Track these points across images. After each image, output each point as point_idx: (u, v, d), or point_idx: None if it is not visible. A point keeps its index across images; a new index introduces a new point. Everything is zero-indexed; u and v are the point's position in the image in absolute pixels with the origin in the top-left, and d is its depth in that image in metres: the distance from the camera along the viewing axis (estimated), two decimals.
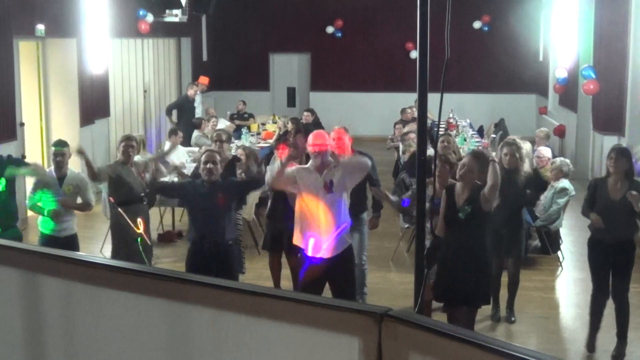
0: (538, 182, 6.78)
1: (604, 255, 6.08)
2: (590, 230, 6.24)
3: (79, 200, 6.97)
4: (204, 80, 14.79)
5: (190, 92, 13.47)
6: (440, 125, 8.82)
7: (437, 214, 5.77)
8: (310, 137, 5.90)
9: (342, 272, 5.83)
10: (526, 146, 6.83)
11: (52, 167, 6.87)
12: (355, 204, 6.81)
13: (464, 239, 5.42)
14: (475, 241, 5.42)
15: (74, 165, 7.31)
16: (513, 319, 6.90)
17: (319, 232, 5.70)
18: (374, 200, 7.12)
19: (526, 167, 6.66)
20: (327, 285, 5.95)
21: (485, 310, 6.92)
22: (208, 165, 6.02)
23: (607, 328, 6.49)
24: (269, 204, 7.26)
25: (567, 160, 8.43)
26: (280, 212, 6.89)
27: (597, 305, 6.22)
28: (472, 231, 5.45)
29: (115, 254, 7.19)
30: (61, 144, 6.90)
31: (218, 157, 6.13)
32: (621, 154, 6.00)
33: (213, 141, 7.82)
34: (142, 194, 7.14)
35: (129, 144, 7.07)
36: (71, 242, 6.77)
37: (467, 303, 5.59)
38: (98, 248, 8.72)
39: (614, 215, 5.96)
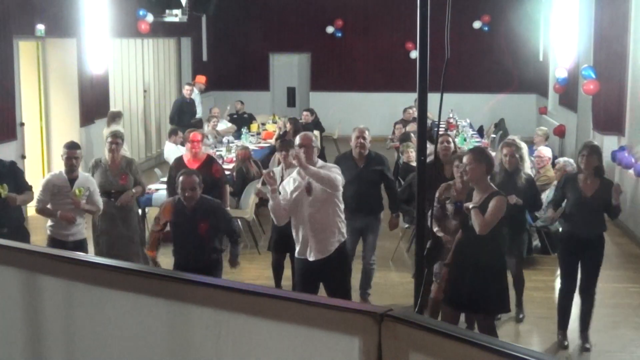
0: (531, 198, 6.64)
1: (575, 250, 6.19)
2: (562, 226, 6.37)
3: (88, 204, 6.74)
4: (200, 79, 14.77)
5: (185, 93, 13.46)
6: (441, 125, 8.84)
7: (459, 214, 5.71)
8: (297, 139, 5.90)
9: (334, 272, 5.83)
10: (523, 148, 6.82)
11: (63, 169, 6.71)
12: (372, 203, 6.85)
13: (479, 244, 5.31)
14: (487, 246, 5.27)
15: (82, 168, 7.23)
16: (521, 316, 6.92)
17: (306, 235, 5.70)
18: (390, 200, 7.14)
19: (527, 167, 6.66)
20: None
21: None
22: (187, 194, 5.81)
23: (606, 328, 6.50)
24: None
25: (571, 160, 8.43)
26: None
27: (565, 300, 6.33)
28: (485, 237, 5.32)
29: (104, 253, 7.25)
30: (74, 146, 6.76)
31: (197, 180, 5.87)
32: (593, 151, 6.14)
33: (107, 141, 7.49)
34: (112, 191, 7.22)
35: (114, 140, 7.28)
36: (80, 248, 6.60)
37: (482, 310, 5.46)
38: None
39: (586, 212, 6.08)
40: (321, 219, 5.69)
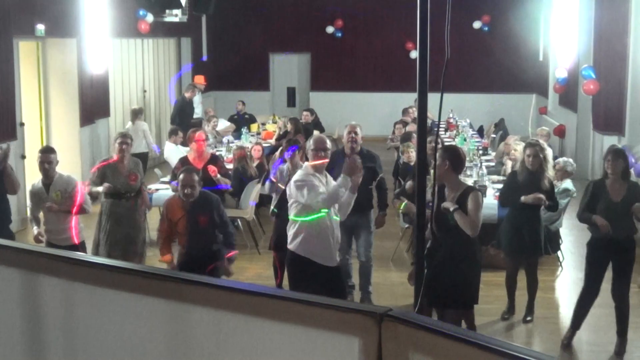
0: (553, 201, 6.75)
1: (605, 255, 6.14)
2: (591, 232, 6.27)
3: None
4: (199, 79, 14.78)
5: (188, 95, 13.47)
6: (441, 125, 8.83)
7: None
8: (312, 143, 5.85)
9: (339, 280, 5.83)
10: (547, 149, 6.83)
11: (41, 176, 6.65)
12: (363, 201, 6.85)
13: (452, 240, 5.38)
14: (463, 242, 5.37)
15: (65, 169, 7.08)
16: (529, 318, 6.89)
17: (331, 241, 5.68)
18: (379, 198, 7.17)
19: (551, 169, 6.68)
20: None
21: (498, 309, 6.97)
22: (186, 191, 6.05)
23: (606, 328, 6.49)
24: (273, 201, 7.21)
25: (570, 160, 8.45)
26: (287, 212, 6.88)
27: (585, 303, 6.28)
28: (460, 233, 5.39)
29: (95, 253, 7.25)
30: (47, 150, 6.70)
31: (196, 178, 6.10)
32: (618, 155, 6.10)
33: (116, 142, 7.52)
34: (124, 192, 7.25)
35: (124, 141, 7.32)
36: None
37: (455, 305, 5.55)
38: None
39: (616, 217, 6.02)
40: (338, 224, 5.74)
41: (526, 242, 6.65)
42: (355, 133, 6.93)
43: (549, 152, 6.79)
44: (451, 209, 5.28)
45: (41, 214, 6.72)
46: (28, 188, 10.02)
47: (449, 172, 5.39)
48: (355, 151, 6.93)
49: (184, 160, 7.91)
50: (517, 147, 8.69)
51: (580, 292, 6.35)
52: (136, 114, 11.96)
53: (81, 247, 6.78)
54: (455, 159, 5.41)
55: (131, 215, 7.33)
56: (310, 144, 5.89)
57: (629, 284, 6.19)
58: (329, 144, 5.85)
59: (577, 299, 6.37)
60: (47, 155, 6.59)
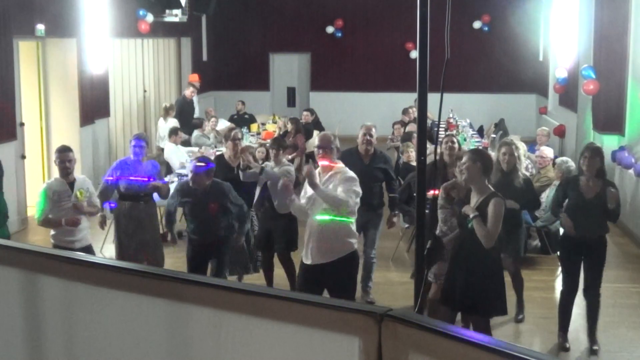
0: (530, 199, 6.67)
1: (577, 252, 6.14)
2: (563, 228, 6.31)
3: (89, 207, 6.59)
4: (193, 78, 14.77)
5: (187, 93, 13.46)
6: (440, 125, 8.83)
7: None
8: (316, 140, 5.88)
9: (340, 278, 5.66)
10: (522, 148, 6.81)
11: (59, 174, 6.51)
12: (374, 200, 7.00)
13: (474, 245, 5.26)
14: (484, 248, 5.23)
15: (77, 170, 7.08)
16: (521, 316, 6.88)
17: (310, 237, 5.64)
18: (390, 199, 7.26)
19: (523, 168, 6.65)
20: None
21: None
22: (190, 177, 6.38)
23: (606, 328, 6.49)
24: (255, 198, 7.12)
25: (565, 158, 8.48)
26: (268, 210, 6.88)
27: (566, 302, 6.28)
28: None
29: (121, 256, 7.22)
30: (65, 149, 6.55)
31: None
32: (595, 153, 6.06)
33: (230, 140, 7.61)
34: (142, 194, 7.21)
35: (139, 143, 7.29)
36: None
37: (477, 311, 5.42)
38: (98, 248, 8.70)
39: (587, 213, 6.03)
40: (328, 224, 5.55)
41: (502, 243, 6.63)
42: (371, 135, 7.06)
43: (523, 152, 6.73)
44: (471, 216, 5.18)
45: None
46: (28, 188, 10.09)
47: (479, 174, 5.26)
48: (369, 152, 7.03)
49: (219, 158, 7.79)
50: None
51: (561, 292, 6.34)
52: (167, 111, 12.20)
53: (91, 249, 6.68)
54: (486, 161, 5.31)
55: (150, 216, 7.35)
56: (314, 141, 5.97)
57: (600, 283, 6.18)
58: (333, 141, 5.76)
59: (559, 300, 6.35)
60: (66, 154, 6.45)
